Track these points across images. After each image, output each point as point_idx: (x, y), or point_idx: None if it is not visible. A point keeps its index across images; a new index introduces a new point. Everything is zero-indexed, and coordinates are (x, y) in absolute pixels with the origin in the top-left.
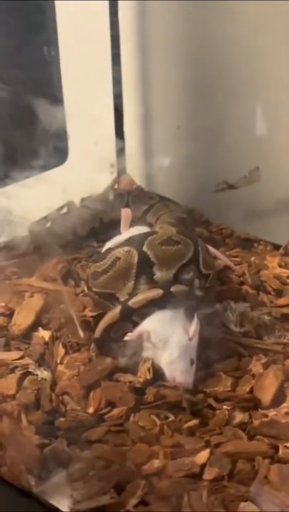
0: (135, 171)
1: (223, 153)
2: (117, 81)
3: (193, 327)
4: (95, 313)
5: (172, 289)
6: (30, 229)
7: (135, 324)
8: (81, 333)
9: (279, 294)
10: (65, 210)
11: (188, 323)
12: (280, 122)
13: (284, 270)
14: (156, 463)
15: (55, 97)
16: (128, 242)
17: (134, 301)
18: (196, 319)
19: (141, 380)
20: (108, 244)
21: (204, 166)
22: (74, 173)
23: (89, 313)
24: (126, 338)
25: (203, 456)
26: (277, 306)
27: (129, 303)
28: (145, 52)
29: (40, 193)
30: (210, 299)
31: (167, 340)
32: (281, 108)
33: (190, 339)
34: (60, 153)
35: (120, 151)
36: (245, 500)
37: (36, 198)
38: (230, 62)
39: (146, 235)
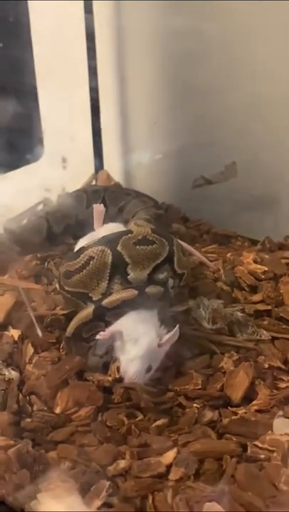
0: (113, 167)
1: (201, 149)
2: (93, 77)
3: (168, 336)
4: (66, 312)
5: (147, 290)
6: (5, 226)
7: (108, 324)
8: (39, 333)
9: (253, 290)
10: (41, 206)
11: (164, 329)
12: (257, 118)
13: (259, 266)
14: (122, 463)
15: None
16: (102, 241)
17: (108, 301)
18: (176, 330)
19: (110, 379)
20: (81, 242)
21: (182, 162)
22: (50, 169)
23: (60, 311)
24: (98, 336)
25: (169, 455)
26: (251, 302)
27: (103, 303)
28: (122, 48)
29: (17, 189)
30: (184, 296)
31: (137, 340)
32: (258, 104)
33: (159, 345)
34: (35, 150)
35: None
36: (210, 501)
37: (13, 195)
38: (207, 58)
39: (120, 234)
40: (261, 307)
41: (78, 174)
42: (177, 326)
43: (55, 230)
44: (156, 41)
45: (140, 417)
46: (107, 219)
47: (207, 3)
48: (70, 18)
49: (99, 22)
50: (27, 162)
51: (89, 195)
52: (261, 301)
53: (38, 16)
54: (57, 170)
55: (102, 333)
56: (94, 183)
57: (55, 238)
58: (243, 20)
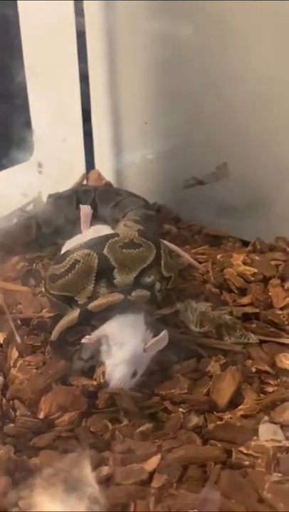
0: (104, 167)
1: (193, 150)
2: (84, 77)
3: (154, 341)
4: (52, 314)
5: (133, 294)
6: None
7: (93, 328)
8: (18, 340)
9: (242, 292)
10: (31, 206)
11: (150, 333)
12: (249, 118)
13: (248, 268)
14: (105, 470)
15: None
16: (88, 244)
17: (93, 305)
18: (162, 335)
19: (95, 383)
20: (67, 244)
21: (174, 162)
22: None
23: (46, 314)
24: (84, 340)
25: (153, 462)
26: (240, 305)
27: (89, 307)
28: (113, 46)
29: (5, 189)
30: (171, 299)
31: (123, 344)
32: (250, 104)
33: (145, 350)
34: (24, 149)
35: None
36: (193, 509)
37: (1, 195)
38: (199, 60)
39: (107, 237)
40: (250, 310)
41: (69, 174)
42: (164, 331)
43: (45, 230)
44: (149, 42)
45: (125, 422)
46: (98, 219)
47: (199, 7)
48: (61, 20)
49: (90, 23)
50: (14, 163)
51: (79, 195)
52: (250, 304)
53: (28, 17)
54: (45, 169)
55: (87, 337)
56: (85, 182)
57: (45, 239)
58: (235, 23)
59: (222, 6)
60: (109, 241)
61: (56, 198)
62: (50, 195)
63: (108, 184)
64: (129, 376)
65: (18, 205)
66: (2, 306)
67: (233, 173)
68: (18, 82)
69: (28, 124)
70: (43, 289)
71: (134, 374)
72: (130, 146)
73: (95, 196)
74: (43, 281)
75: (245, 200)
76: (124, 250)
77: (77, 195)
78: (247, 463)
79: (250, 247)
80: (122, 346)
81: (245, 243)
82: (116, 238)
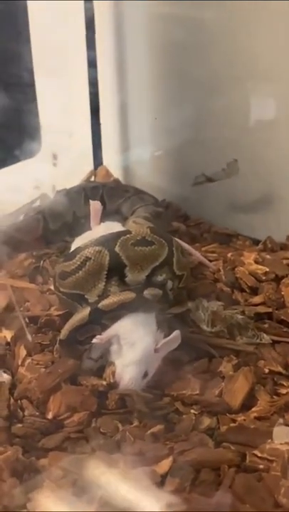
0: (112, 163)
1: (202, 146)
2: (93, 72)
3: (165, 341)
4: (61, 313)
5: (145, 293)
6: (0, 223)
7: (104, 327)
8: (29, 337)
9: (254, 291)
10: (38, 203)
11: (161, 333)
12: (259, 115)
13: (260, 267)
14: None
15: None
16: (99, 241)
17: (104, 304)
18: (174, 335)
19: (105, 383)
20: (77, 241)
21: (183, 159)
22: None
23: (55, 312)
24: (95, 340)
25: (165, 465)
26: (252, 304)
27: (100, 305)
28: (122, 42)
29: (13, 185)
30: (182, 298)
31: (134, 344)
32: (260, 101)
33: (156, 350)
34: (32, 145)
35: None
36: None
37: (8, 191)
38: (210, 50)
39: (118, 234)
40: (262, 309)
41: (77, 170)
42: (176, 331)
43: (52, 227)
44: (158, 32)
45: (135, 423)
46: (106, 216)
47: None
48: (69, 8)
49: (99, 13)
50: (22, 158)
51: (87, 191)
52: (262, 303)
53: (37, 5)
54: (54, 166)
55: (98, 337)
56: (93, 179)
57: (52, 235)
58: (248, 8)
59: None
60: (121, 238)
61: (64, 195)
62: (57, 192)
63: (116, 181)
64: (140, 377)
65: (28, 200)
66: (12, 303)
67: (243, 170)
68: (26, 74)
69: (35, 120)
70: (52, 287)
71: (145, 375)
72: (139, 142)
73: (103, 193)
74: (52, 279)
75: (255, 198)
76: (136, 248)
77: (85, 192)
78: (261, 466)
79: (260, 246)
80: (133, 346)
81: (255, 241)
82: (128, 235)
